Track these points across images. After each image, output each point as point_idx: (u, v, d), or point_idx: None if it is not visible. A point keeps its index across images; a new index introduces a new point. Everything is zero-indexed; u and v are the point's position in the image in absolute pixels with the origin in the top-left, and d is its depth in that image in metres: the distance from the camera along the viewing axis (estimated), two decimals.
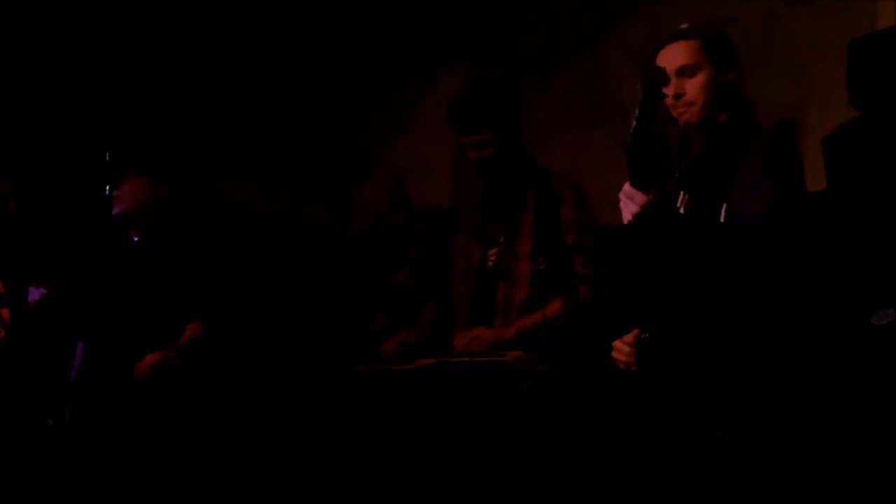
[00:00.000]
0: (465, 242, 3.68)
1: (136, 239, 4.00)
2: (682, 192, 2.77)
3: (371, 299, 4.81)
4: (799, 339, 2.62)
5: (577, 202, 3.54)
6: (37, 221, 4.58)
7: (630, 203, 2.50)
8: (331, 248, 6.28)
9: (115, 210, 3.92)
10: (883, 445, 2.78)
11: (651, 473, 2.66)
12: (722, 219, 2.61)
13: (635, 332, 2.68)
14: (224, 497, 4.11)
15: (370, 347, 3.88)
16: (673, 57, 2.79)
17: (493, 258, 3.60)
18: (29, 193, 4.54)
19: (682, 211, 2.73)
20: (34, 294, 4.00)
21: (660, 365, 2.62)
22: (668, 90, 2.75)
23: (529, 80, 5.94)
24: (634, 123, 2.51)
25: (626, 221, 2.54)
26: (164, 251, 3.95)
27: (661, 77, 2.65)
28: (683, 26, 2.84)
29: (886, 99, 3.22)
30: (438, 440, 3.24)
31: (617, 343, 2.74)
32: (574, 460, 3.21)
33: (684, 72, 2.77)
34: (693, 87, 2.76)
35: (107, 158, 3.89)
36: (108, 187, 3.88)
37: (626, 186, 2.51)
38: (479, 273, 3.61)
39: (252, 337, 4.30)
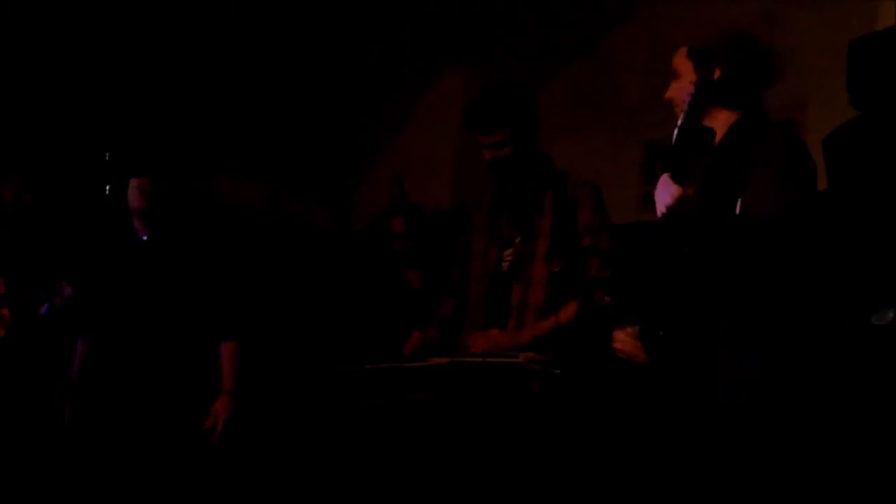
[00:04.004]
0: (483, 243, 3.65)
1: (144, 238, 4.01)
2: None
3: (372, 298, 4.81)
4: (800, 338, 2.62)
5: (595, 205, 3.51)
6: (43, 222, 4.57)
7: (664, 194, 2.51)
8: (331, 248, 6.28)
9: (126, 207, 3.94)
10: (883, 445, 2.79)
11: (660, 472, 2.66)
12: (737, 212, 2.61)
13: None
14: (235, 495, 4.11)
15: (378, 346, 3.86)
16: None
17: (510, 259, 3.57)
18: (36, 194, 4.54)
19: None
20: (67, 290, 3.98)
21: (670, 359, 2.62)
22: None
23: (529, 81, 5.95)
24: (683, 117, 2.54)
25: (658, 213, 2.54)
26: (173, 251, 3.95)
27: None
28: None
29: (886, 99, 3.22)
30: (450, 439, 3.23)
31: (618, 333, 2.74)
32: (585, 461, 3.21)
33: (673, 76, 2.87)
34: (672, 90, 2.86)
35: (107, 158, 3.90)
36: (108, 186, 3.88)
37: (665, 177, 2.52)
38: (494, 274, 3.59)
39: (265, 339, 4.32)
